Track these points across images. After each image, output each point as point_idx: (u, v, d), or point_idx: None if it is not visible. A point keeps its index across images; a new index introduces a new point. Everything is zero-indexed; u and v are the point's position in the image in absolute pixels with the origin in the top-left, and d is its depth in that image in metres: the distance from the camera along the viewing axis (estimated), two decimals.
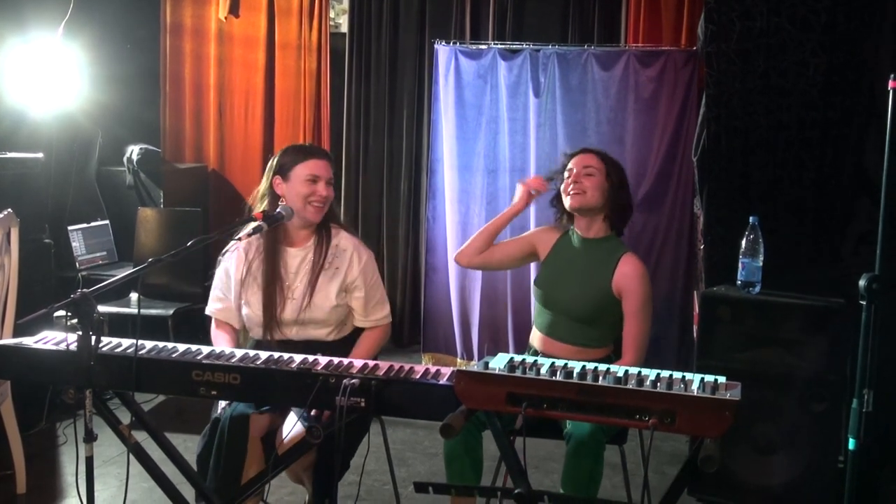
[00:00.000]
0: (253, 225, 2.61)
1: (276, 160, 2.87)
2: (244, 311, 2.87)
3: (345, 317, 2.90)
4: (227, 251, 2.87)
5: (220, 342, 2.86)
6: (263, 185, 2.87)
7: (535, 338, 3.06)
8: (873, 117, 3.47)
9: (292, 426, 2.57)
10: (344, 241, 2.90)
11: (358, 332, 2.94)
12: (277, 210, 2.77)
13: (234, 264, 2.88)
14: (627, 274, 2.90)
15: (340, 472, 2.59)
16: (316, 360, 2.37)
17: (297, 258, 2.85)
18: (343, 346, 2.86)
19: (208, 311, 2.94)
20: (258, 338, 2.88)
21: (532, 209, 4.85)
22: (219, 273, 2.93)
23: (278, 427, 2.71)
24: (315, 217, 2.83)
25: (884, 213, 2.47)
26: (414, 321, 5.55)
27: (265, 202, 2.83)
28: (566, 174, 3.02)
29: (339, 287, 2.84)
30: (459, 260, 3.21)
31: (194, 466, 2.61)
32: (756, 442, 3.22)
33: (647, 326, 2.91)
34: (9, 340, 2.53)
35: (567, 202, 3.00)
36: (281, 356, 2.40)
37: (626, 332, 2.90)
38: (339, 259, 2.86)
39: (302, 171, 2.80)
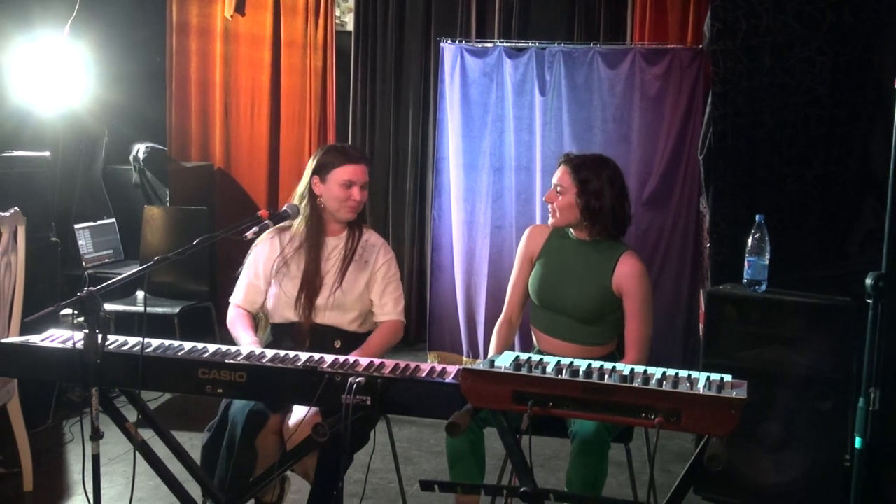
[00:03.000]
0: (259, 223, 2.66)
1: (316, 159, 2.95)
2: (273, 291, 2.93)
3: (368, 309, 2.98)
4: (259, 241, 2.97)
5: (240, 323, 2.93)
6: (304, 183, 2.96)
7: (536, 337, 3.06)
8: (879, 115, 3.46)
9: (299, 412, 2.61)
10: (374, 237, 3.04)
11: None
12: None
13: (266, 252, 2.97)
14: (627, 273, 2.89)
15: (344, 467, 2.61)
16: (322, 358, 2.39)
17: (330, 246, 2.96)
18: (364, 338, 2.93)
19: (233, 300, 3.02)
20: (282, 321, 2.93)
21: (537, 208, 4.86)
22: (248, 261, 3.01)
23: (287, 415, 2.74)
24: (349, 216, 2.96)
25: (890, 211, 2.46)
26: (420, 319, 5.55)
27: (304, 200, 2.94)
28: None
29: (368, 278, 2.95)
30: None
31: (199, 460, 2.62)
32: (762, 440, 3.21)
33: (649, 325, 2.90)
34: (15, 339, 2.55)
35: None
36: (287, 354, 2.41)
37: (628, 332, 2.89)
38: (368, 253, 2.98)
39: (339, 175, 2.90)
